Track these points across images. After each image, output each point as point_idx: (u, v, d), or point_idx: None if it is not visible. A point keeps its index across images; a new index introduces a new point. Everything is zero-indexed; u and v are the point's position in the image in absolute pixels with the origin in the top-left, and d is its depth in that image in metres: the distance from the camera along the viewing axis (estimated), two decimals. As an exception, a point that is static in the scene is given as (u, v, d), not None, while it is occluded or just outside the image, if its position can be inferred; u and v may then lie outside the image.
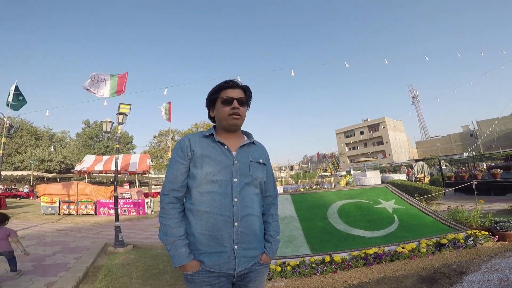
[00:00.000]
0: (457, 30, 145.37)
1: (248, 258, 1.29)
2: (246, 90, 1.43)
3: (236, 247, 1.25)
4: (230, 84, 1.38)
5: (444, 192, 10.44)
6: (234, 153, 1.36)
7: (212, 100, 1.42)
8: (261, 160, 1.44)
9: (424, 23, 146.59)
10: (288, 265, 3.70)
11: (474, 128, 50.42)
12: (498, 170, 10.96)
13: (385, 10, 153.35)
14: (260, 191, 1.44)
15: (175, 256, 1.22)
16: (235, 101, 1.35)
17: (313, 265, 3.72)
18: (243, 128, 1.52)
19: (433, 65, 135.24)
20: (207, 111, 1.49)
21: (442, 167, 15.90)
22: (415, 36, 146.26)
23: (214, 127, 1.45)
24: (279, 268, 3.64)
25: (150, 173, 25.78)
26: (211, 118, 1.47)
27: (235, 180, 1.30)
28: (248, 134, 1.51)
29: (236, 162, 1.33)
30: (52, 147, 37.96)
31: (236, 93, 1.37)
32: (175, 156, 1.35)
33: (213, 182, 1.27)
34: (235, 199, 1.27)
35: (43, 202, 13.05)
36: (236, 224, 1.25)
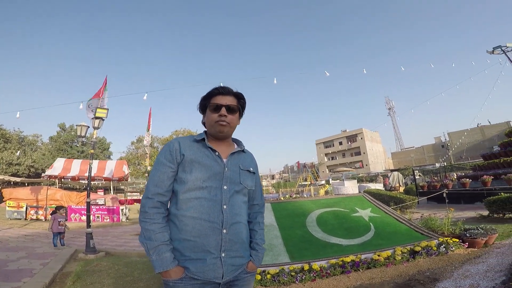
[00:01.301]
0: (431, 41, 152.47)
1: (236, 267, 1.26)
2: (239, 97, 1.41)
3: (223, 254, 1.21)
4: (220, 91, 1.36)
5: (417, 201, 10.81)
6: (224, 160, 1.34)
7: (204, 106, 1.40)
8: (251, 169, 1.42)
9: (401, 33, 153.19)
10: (268, 273, 3.66)
11: (446, 139, 52.85)
12: (467, 179, 11.58)
13: (366, 20, 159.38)
14: (247, 199, 1.43)
15: (158, 261, 1.16)
16: (223, 108, 1.32)
17: (292, 273, 3.70)
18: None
19: (408, 77, 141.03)
20: (202, 116, 1.47)
21: (416, 177, 16.49)
22: (393, 47, 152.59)
23: (205, 132, 1.42)
24: (259, 277, 3.59)
25: (127, 180, 25.00)
26: (204, 123, 1.44)
27: (225, 187, 1.28)
28: (238, 142, 1.49)
29: (226, 169, 1.31)
30: (18, 151, 35.82)
31: (226, 100, 1.34)
32: (162, 159, 1.30)
33: (202, 188, 1.24)
34: (225, 206, 1.25)
35: (8, 206, 12.35)
36: (224, 231, 1.22)
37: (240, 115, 1.46)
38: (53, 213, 6.88)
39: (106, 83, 7.76)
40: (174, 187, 1.29)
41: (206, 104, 1.38)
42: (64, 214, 7.03)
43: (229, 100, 1.35)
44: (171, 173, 1.28)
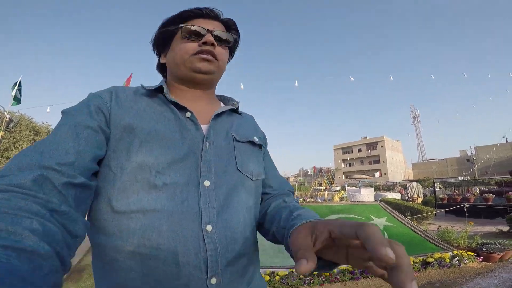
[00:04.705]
0: (466, 51, 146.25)
1: None
2: (231, 26, 0.80)
3: None
4: (204, 12, 0.75)
5: (435, 213, 10.55)
6: (204, 126, 0.69)
7: (167, 35, 0.76)
8: (255, 139, 0.77)
9: (434, 42, 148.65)
10: (277, 275, 3.73)
11: (472, 153, 50.82)
12: (491, 194, 11.21)
13: (395, 28, 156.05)
14: (256, 197, 0.73)
15: None
16: (208, 35, 0.72)
17: (301, 277, 3.75)
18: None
19: (438, 86, 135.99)
20: (157, 58, 0.83)
21: (436, 189, 16.01)
22: (423, 55, 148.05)
23: (164, 81, 0.77)
24: (267, 278, 3.68)
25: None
26: (160, 66, 0.84)
27: (207, 183, 0.61)
28: (226, 99, 0.87)
29: (207, 144, 0.65)
30: None
31: (213, 26, 0.75)
32: (72, 111, 0.60)
33: (155, 187, 0.57)
34: (209, 227, 0.58)
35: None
36: (213, 281, 0.56)
37: (230, 56, 0.85)
38: None
39: (130, 81, 8.14)
40: (98, 184, 0.59)
41: (173, 31, 0.75)
42: None
43: (216, 26, 0.76)
44: (93, 135, 0.58)
